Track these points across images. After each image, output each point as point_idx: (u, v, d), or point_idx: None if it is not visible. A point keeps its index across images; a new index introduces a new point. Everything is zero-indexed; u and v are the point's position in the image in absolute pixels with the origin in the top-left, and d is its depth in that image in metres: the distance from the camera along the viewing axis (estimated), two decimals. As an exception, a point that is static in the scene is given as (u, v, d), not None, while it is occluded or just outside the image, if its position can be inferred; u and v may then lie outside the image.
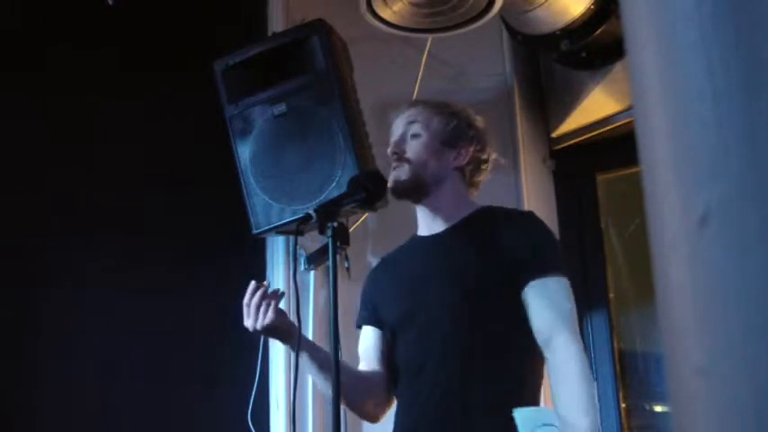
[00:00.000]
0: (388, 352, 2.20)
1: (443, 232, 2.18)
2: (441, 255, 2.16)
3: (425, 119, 2.22)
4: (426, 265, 2.17)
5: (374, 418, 2.22)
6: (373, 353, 2.21)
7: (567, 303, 2.03)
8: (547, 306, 2.00)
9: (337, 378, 1.81)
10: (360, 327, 2.28)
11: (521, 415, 1.90)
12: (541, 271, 2.03)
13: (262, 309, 2.04)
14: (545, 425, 1.90)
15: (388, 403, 2.20)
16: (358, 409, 2.22)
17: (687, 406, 0.61)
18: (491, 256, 2.08)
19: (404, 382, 2.13)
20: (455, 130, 2.21)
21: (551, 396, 1.96)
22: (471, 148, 2.22)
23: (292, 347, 2.04)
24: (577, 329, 2.01)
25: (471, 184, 2.24)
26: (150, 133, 3.16)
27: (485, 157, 2.25)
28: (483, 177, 2.27)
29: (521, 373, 2.03)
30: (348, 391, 2.00)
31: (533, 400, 2.04)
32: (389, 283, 2.24)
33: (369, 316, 2.25)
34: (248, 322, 2.06)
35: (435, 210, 2.20)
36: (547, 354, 1.98)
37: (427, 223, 2.22)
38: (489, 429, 1.96)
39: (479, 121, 2.28)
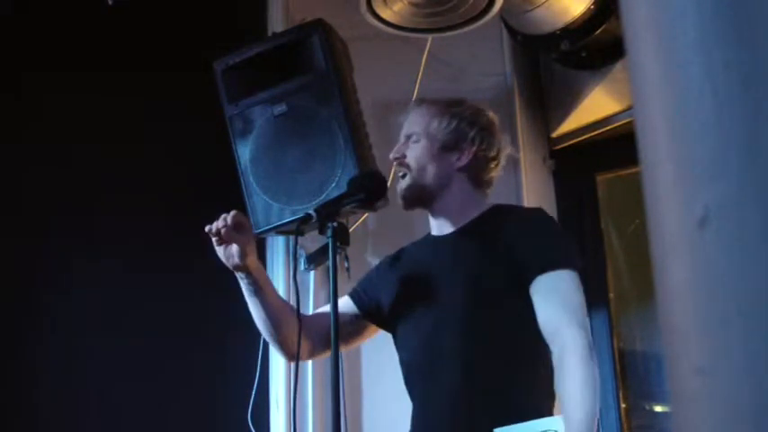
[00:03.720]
0: (357, 333, 2.26)
1: (452, 234, 2.18)
2: (449, 256, 2.15)
3: (424, 123, 2.21)
4: (434, 267, 2.16)
5: (291, 357, 2.18)
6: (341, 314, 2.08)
7: (574, 296, 1.95)
8: (552, 299, 1.95)
9: (337, 377, 1.81)
10: (349, 296, 2.28)
11: None
12: (546, 266, 1.98)
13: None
14: None
15: (314, 350, 2.20)
16: (278, 336, 2.17)
17: (687, 406, 0.61)
18: (498, 256, 2.05)
19: (414, 382, 2.13)
20: (455, 132, 2.19)
21: (556, 390, 1.91)
22: (474, 148, 2.18)
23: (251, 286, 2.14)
24: (585, 322, 1.93)
25: (480, 182, 2.21)
26: (150, 133, 3.16)
27: (492, 154, 2.21)
28: (494, 174, 2.24)
29: (533, 373, 2.00)
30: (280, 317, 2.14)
31: (546, 401, 1.99)
32: (397, 281, 2.22)
33: (364, 301, 2.26)
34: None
35: (443, 213, 2.19)
36: (552, 348, 1.92)
37: (438, 225, 2.21)
38: None
39: (486, 119, 2.24)
